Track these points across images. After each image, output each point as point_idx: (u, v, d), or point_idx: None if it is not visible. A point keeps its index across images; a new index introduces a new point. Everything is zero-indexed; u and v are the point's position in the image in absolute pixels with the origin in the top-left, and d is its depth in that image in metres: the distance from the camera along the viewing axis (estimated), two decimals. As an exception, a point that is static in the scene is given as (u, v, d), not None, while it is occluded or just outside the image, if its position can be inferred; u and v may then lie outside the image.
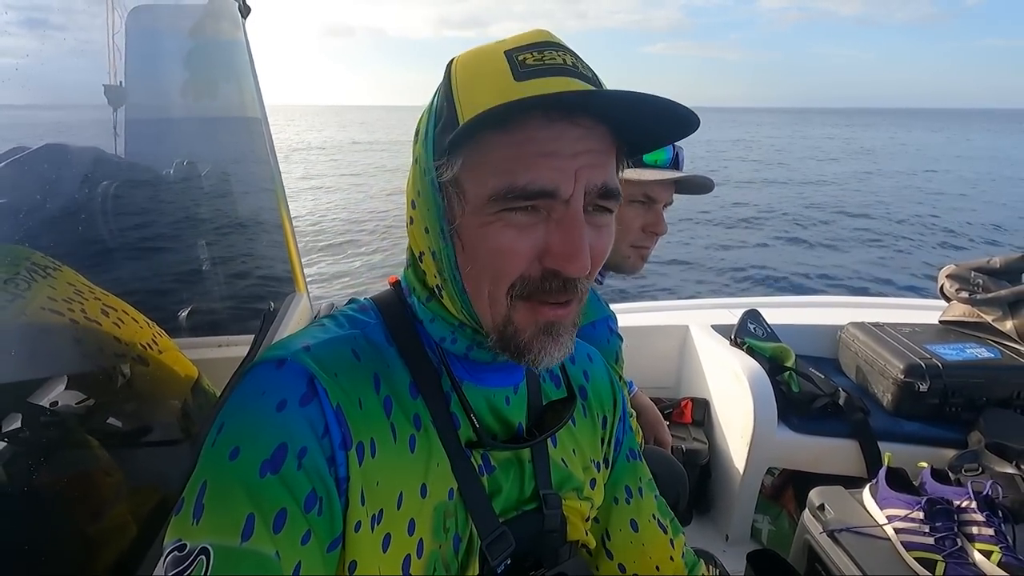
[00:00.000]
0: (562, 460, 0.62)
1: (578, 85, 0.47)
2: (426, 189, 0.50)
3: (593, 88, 0.47)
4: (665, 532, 0.72)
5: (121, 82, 1.00)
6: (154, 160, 1.02)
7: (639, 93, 0.43)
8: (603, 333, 0.98)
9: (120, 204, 0.97)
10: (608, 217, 0.51)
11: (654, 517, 0.72)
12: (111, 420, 0.80)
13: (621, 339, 1.03)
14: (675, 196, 1.08)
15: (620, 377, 1.03)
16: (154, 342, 1.00)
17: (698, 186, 1.06)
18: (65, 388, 0.75)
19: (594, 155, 0.47)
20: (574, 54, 0.49)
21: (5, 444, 0.60)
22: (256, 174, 1.24)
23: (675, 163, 1.05)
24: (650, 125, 0.49)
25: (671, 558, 0.71)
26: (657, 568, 0.70)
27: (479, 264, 0.48)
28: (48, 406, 0.71)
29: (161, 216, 1.11)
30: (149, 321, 1.01)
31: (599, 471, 0.68)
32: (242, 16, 1.10)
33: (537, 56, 0.47)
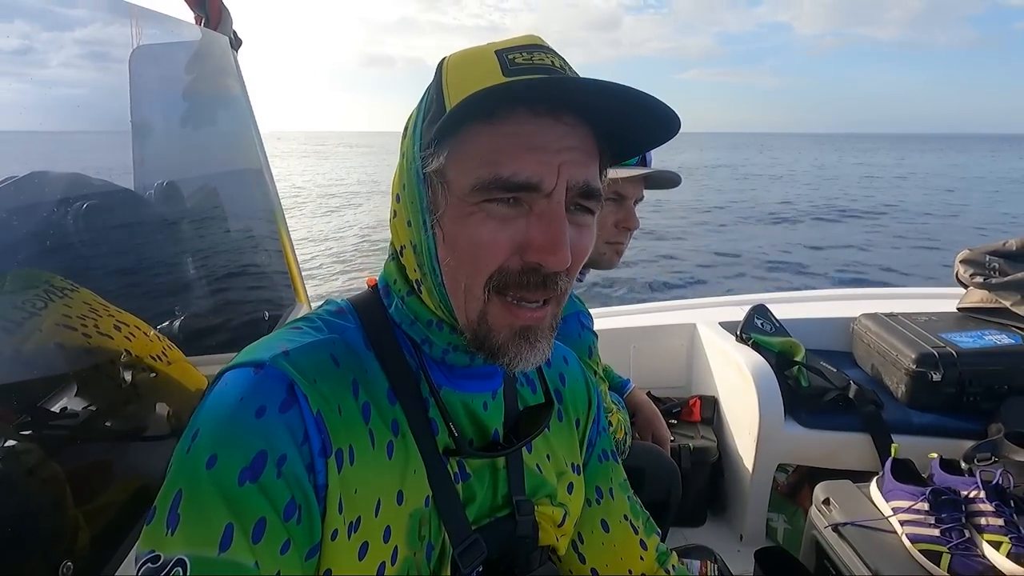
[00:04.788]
0: (536, 466, 0.62)
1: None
2: (411, 181, 0.50)
3: (576, 77, 0.47)
4: (636, 532, 0.71)
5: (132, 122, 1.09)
6: (154, 182, 1.11)
7: (620, 84, 0.43)
8: (574, 328, 1.01)
9: (128, 228, 1.06)
10: (589, 217, 0.51)
11: (625, 518, 0.71)
12: (117, 423, 0.87)
13: (594, 335, 1.05)
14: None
15: (596, 373, 1.05)
16: (164, 354, 1.08)
17: (666, 180, 1.09)
18: (75, 394, 0.83)
19: (577, 152, 0.48)
20: (562, 58, 0.50)
21: (16, 441, 0.67)
22: (253, 192, 1.32)
23: (643, 160, 1.08)
24: (632, 126, 0.49)
25: (641, 558, 0.70)
26: (630, 572, 0.69)
27: (458, 255, 0.48)
28: (58, 410, 0.79)
29: (167, 239, 1.20)
30: (160, 335, 1.09)
31: (579, 474, 0.67)
32: (233, 48, 1.19)
33: (526, 56, 0.48)
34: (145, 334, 1.03)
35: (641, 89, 0.43)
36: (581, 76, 0.48)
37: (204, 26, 1.11)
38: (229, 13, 1.15)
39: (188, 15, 1.12)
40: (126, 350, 0.95)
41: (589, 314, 1.05)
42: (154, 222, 1.08)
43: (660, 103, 0.45)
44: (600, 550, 0.69)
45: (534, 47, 0.49)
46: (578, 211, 0.50)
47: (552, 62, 0.48)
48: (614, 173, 1.04)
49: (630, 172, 1.04)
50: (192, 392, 1.11)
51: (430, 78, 0.52)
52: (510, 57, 0.48)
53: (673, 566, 0.73)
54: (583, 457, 0.70)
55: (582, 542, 0.70)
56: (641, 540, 0.71)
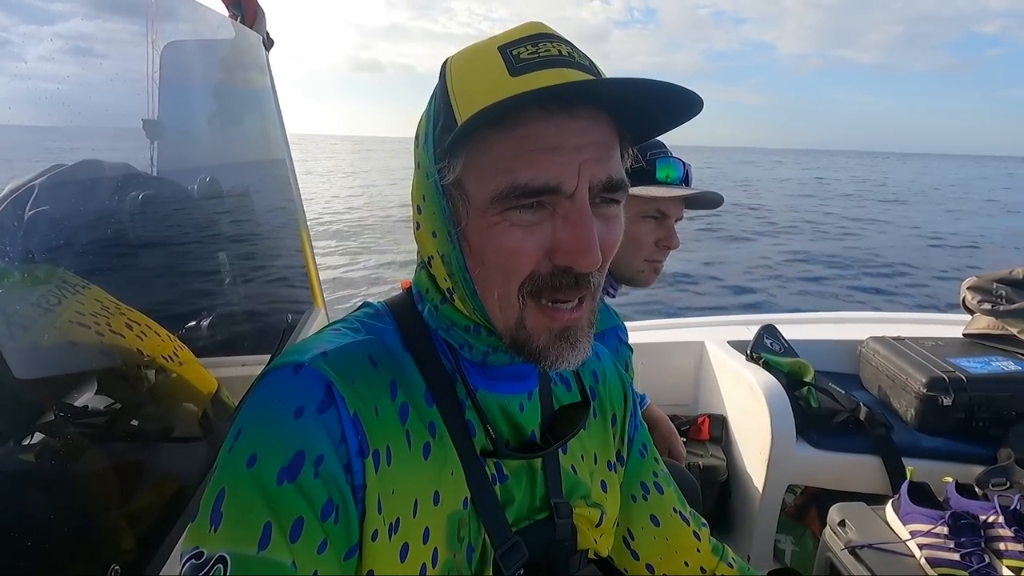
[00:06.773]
0: (571, 467, 0.61)
1: (575, 75, 0.45)
2: (430, 193, 0.49)
3: (590, 78, 0.45)
4: (688, 523, 0.70)
5: (156, 115, 1.07)
6: (183, 181, 1.09)
7: (638, 79, 0.42)
8: (612, 343, 1.00)
9: (147, 225, 1.04)
10: (616, 208, 0.50)
11: (675, 510, 0.70)
12: (135, 422, 0.84)
13: (630, 349, 1.04)
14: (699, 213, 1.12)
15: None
16: (175, 354, 1.05)
17: (708, 202, 1.09)
18: (95, 393, 0.80)
19: (597, 147, 0.46)
20: (569, 44, 0.48)
21: (41, 436, 0.64)
22: (278, 195, 1.31)
23: (685, 180, 1.08)
24: (653, 110, 0.48)
25: (697, 550, 0.70)
26: (686, 564, 0.69)
27: (488, 266, 0.47)
28: (79, 407, 0.76)
29: (186, 236, 1.17)
30: (171, 335, 1.07)
31: (613, 471, 0.66)
32: (266, 49, 1.18)
33: (531, 49, 0.46)
34: (156, 333, 1.01)
35: (651, 78, 0.43)
36: (586, 62, 0.47)
37: (240, 23, 1.10)
38: (264, 13, 1.15)
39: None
40: (138, 349, 0.93)
41: (625, 328, 1.05)
42: (184, 220, 1.06)
43: (679, 89, 0.43)
44: (652, 545, 0.69)
45: (538, 37, 0.47)
46: (603, 203, 0.48)
47: (559, 51, 0.46)
48: (659, 192, 1.03)
49: (673, 192, 1.04)
50: (203, 392, 1.09)
51: (419, 85, 0.51)
52: (514, 52, 0.46)
53: (733, 559, 0.72)
54: (626, 452, 0.69)
55: (633, 539, 0.69)
56: (694, 531, 0.70)
